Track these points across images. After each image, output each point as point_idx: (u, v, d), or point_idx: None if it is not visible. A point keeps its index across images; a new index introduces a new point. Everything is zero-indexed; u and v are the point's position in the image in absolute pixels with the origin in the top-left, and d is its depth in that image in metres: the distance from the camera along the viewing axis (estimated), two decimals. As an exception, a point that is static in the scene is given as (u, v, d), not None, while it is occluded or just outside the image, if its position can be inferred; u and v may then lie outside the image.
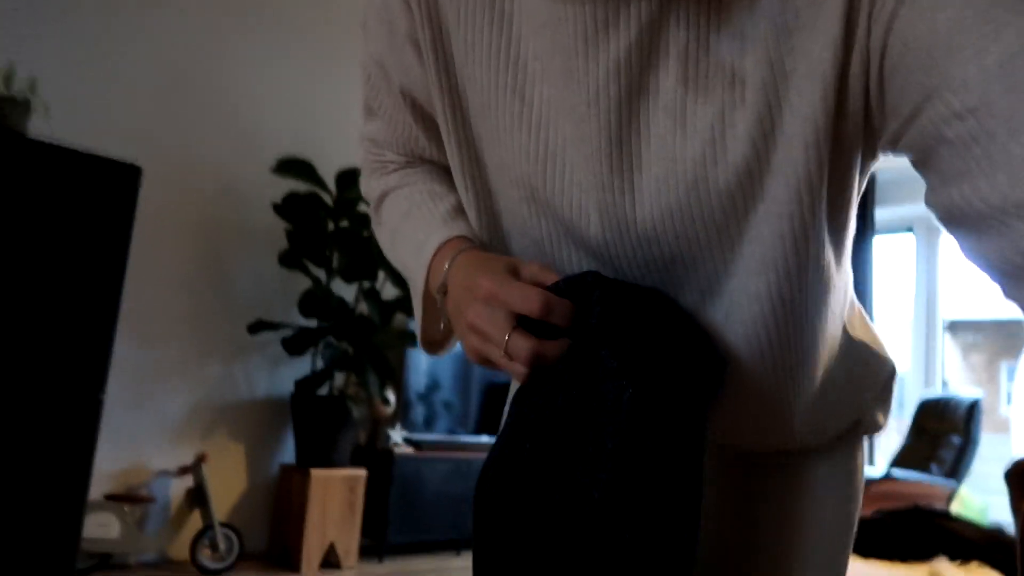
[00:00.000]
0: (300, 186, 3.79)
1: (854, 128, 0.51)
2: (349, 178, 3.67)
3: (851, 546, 0.75)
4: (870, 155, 0.55)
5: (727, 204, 0.54)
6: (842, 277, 0.62)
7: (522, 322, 0.56)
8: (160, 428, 3.43)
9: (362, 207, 3.83)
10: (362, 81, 0.72)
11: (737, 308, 0.58)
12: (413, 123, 0.70)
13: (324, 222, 3.67)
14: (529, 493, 0.54)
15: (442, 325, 0.68)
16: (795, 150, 0.50)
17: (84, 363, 1.95)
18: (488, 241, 0.67)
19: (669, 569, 0.52)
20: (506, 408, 0.80)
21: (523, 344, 0.54)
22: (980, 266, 0.48)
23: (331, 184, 3.74)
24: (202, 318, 3.60)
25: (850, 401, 0.70)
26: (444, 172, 0.75)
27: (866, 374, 0.70)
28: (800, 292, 0.56)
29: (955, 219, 0.47)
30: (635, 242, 0.58)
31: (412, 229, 0.70)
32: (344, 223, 3.75)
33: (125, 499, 3.14)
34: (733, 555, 0.73)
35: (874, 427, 0.75)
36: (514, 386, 0.76)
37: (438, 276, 0.64)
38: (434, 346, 0.73)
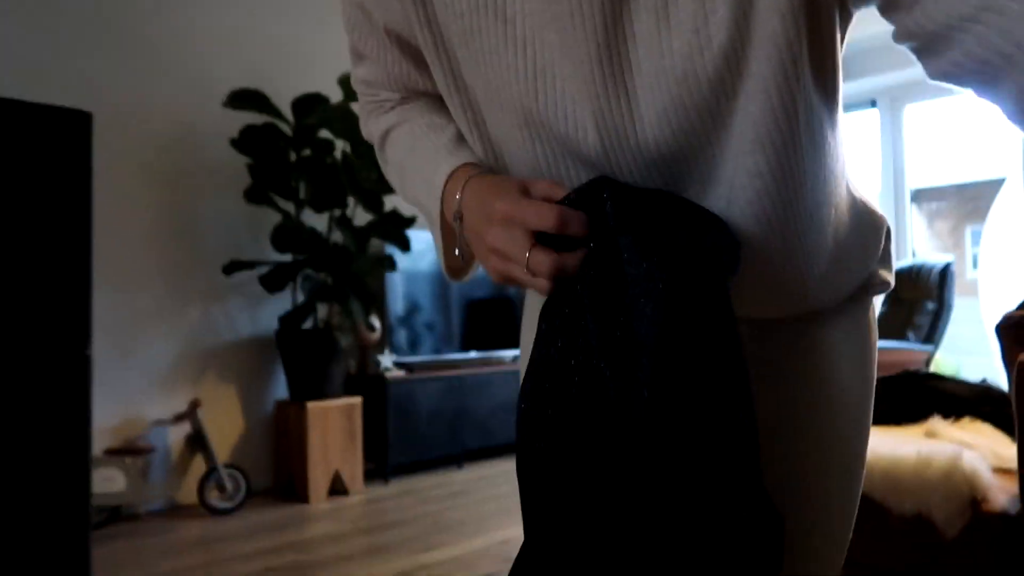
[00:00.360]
0: (256, 118, 3.65)
1: None
2: (306, 105, 3.54)
3: (871, 408, 0.76)
4: (846, 15, 0.56)
5: (718, 90, 0.54)
6: (838, 139, 0.62)
7: (540, 238, 0.56)
8: (149, 379, 3.40)
9: (323, 133, 3.71)
10: (345, 26, 0.72)
11: (740, 190, 0.58)
12: (402, 59, 0.70)
13: (285, 153, 3.56)
14: (571, 400, 0.54)
15: (457, 251, 0.68)
16: (772, 22, 0.51)
17: (66, 321, 1.90)
18: (491, 165, 0.67)
19: (736, 450, 0.52)
20: (523, 328, 0.80)
21: (544, 259, 0.55)
22: (950, 83, 0.51)
23: (288, 113, 3.61)
24: (175, 264, 3.52)
25: (860, 257, 0.71)
26: (440, 103, 0.74)
27: (870, 231, 0.71)
28: (797, 162, 0.57)
29: (916, 40, 0.50)
30: (634, 148, 0.58)
31: (419, 163, 0.70)
32: (306, 152, 3.64)
33: (125, 452, 3.14)
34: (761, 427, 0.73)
35: (883, 285, 0.76)
36: (536, 303, 0.76)
37: (452, 205, 0.65)
38: (457, 272, 0.73)
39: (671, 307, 0.51)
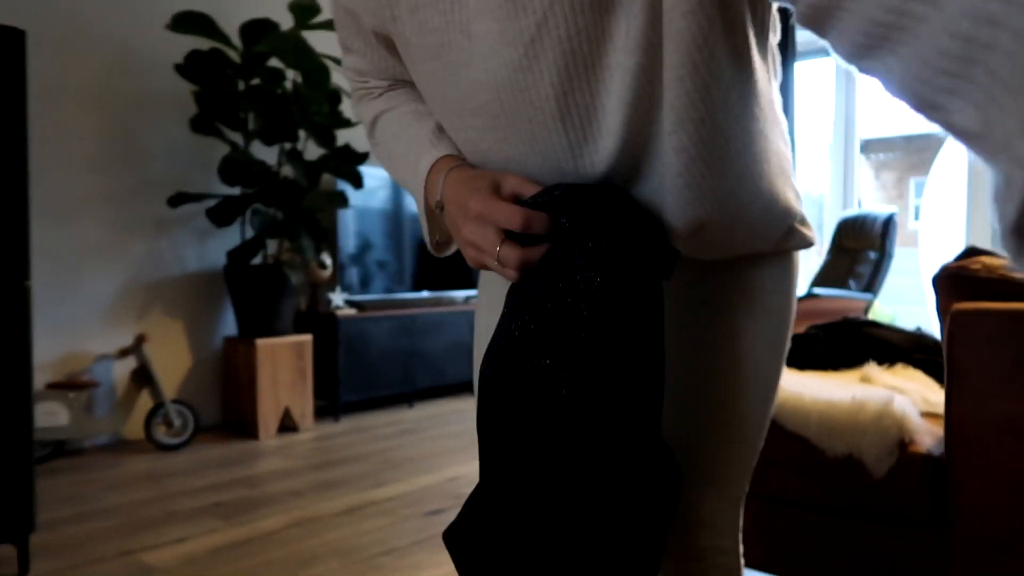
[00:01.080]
0: (202, 43, 3.50)
1: None
2: (254, 31, 3.39)
3: (785, 355, 0.86)
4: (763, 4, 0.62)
5: (644, 81, 0.61)
6: (761, 103, 0.68)
7: (509, 233, 0.66)
8: (92, 312, 3.32)
9: (273, 62, 3.58)
10: (335, 23, 0.79)
11: (670, 165, 0.65)
12: (388, 55, 0.78)
13: (233, 81, 3.43)
14: (518, 372, 0.65)
15: (438, 238, 0.80)
16: (677, 22, 0.58)
17: (2, 251, 1.82)
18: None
19: (640, 415, 0.64)
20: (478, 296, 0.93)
21: (511, 253, 0.65)
22: (840, 58, 0.49)
23: (236, 40, 3.46)
24: (118, 194, 3.40)
25: (780, 212, 0.76)
26: None
27: (788, 186, 0.77)
28: (716, 134, 0.64)
29: (811, 19, 0.48)
30: (592, 140, 0.66)
31: (404, 150, 0.79)
32: (256, 81, 3.51)
33: (68, 386, 3.07)
34: (691, 360, 0.82)
35: (806, 241, 0.83)
36: (488, 279, 0.89)
37: (434, 194, 0.74)
38: (441, 247, 0.83)
39: (603, 305, 0.62)
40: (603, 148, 0.66)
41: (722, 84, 0.63)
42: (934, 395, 1.74)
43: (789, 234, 0.80)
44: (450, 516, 2.42)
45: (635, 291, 0.64)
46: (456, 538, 0.70)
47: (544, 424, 0.64)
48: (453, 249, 0.85)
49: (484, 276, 0.91)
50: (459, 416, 4.00)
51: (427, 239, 0.82)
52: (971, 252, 1.52)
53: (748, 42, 0.64)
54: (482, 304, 0.90)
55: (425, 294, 4.37)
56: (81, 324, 3.28)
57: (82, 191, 3.28)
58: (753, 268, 0.81)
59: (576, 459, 0.63)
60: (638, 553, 0.65)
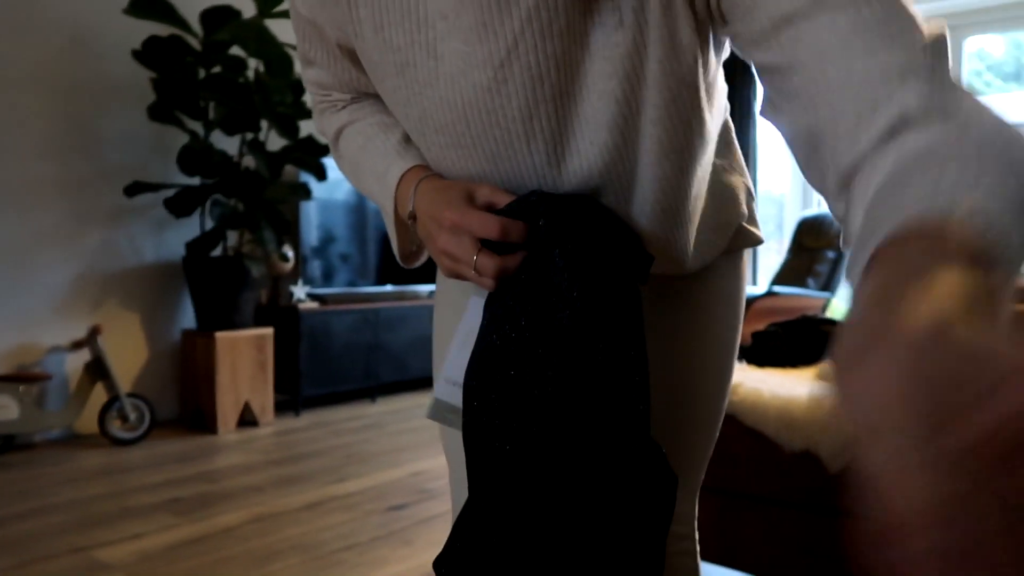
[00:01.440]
0: (161, 29, 3.42)
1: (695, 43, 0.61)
2: (215, 18, 3.33)
3: (736, 348, 0.90)
4: (718, 48, 0.66)
5: (628, 127, 0.64)
6: (714, 133, 0.73)
7: (484, 242, 0.65)
8: (44, 303, 3.23)
9: (235, 50, 3.52)
10: (295, 34, 0.77)
11: (649, 192, 0.69)
12: (352, 67, 0.76)
13: (193, 69, 3.36)
14: (501, 382, 0.65)
15: (415, 246, 0.81)
16: (666, 77, 0.61)
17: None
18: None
19: (633, 444, 0.64)
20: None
21: (488, 262, 0.65)
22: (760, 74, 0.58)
23: (196, 26, 3.39)
24: (72, 182, 3.31)
25: (724, 225, 0.82)
26: None
27: (730, 201, 0.82)
28: (688, 170, 0.69)
29: (749, 45, 0.57)
30: (564, 180, 0.68)
31: (371, 162, 0.78)
32: (216, 69, 3.44)
33: (18, 379, 2.99)
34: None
35: (754, 240, 0.86)
36: (447, 284, 0.88)
37: (405, 205, 0.73)
38: (410, 259, 0.84)
39: (584, 314, 0.62)
40: (570, 169, 0.67)
41: (701, 114, 0.66)
42: (888, 392, 1.78)
43: (738, 234, 0.84)
44: (413, 511, 2.41)
45: (615, 294, 0.64)
46: (448, 565, 0.68)
47: (533, 434, 0.63)
48: (424, 259, 0.85)
49: (440, 278, 0.90)
50: (422, 411, 3.98)
51: (396, 250, 0.82)
52: (925, 253, 1.55)
53: (713, 91, 0.68)
54: (441, 303, 0.90)
55: (389, 288, 4.34)
56: (33, 315, 3.20)
57: (35, 179, 3.19)
58: (703, 283, 0.85)
59: (569, 469, 0.62)
60: (639, 561, 0.65)
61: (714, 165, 0.78)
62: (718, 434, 0.91)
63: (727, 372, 0.88)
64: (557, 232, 0.64)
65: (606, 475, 0.63)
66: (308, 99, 3.89)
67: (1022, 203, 0.41)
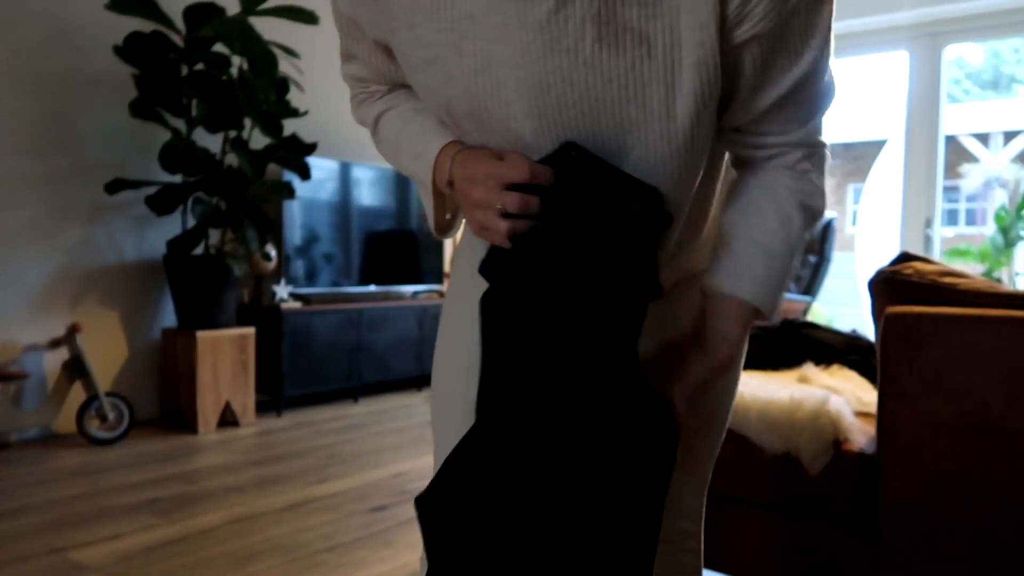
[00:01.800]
0: (143, 25, 3.39)
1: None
2: (198, 15, 3.30)
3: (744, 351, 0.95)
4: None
5: (645, 126, 0.71)
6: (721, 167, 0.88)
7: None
8: (21, 300, 3.19)
9: (218, 47, 3.49)
10: (338, 31, 0.85)
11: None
12: (388, 61, 0.83)
13: (176, 65, 3.33)
14: (516, 320, 0.70)
15: (448, 215, 0.87)
16: (687, 96, 0.68)
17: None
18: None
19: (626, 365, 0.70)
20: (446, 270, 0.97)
21: (514, 198, 0.69)
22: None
23: (179, 22, 3.36)
24: (52, 179, 3.27)
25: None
26: None
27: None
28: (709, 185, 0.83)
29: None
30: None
31: (410, 142, 0.84)
32: (199, 66, 3.42)
33: (-6, 378, 2.95)
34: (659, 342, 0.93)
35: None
36: (457, 299, 0.94)
37: (443, 175, 0.79)
38: (444, 230, 0.89)
39: (596, 264, 0.69)
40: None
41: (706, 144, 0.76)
42: (867, 395, 1.80)
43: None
44: (395, 512, 2.40)
45: (630, 249, 0.70)
46: (429, 504, 0.70)
47: (541, 372, 0.68)
48: (458, 227, 0.91)
49: (458, 264, 0.96)
50: (405, 412, 3.97)
51: (432, 222, 0.87)
52: (905, 257, 1.57)
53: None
54: (453, 301, 0.95)
55: (372, 288, 4.33)
56: (10, 312, 3.15)
57: (13, 174, 3.15)
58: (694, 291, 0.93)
59: (572, 410, 0.67)
60: (638, 515, 0.68)
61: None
62: (725, 433, 0.97)
63: (736, 369, 0.93)
64: (592, 170, 0.69)
65: (608, 416, 0.67)
66: (292, 97, 3.86)
67: (782, 280, 0.79)
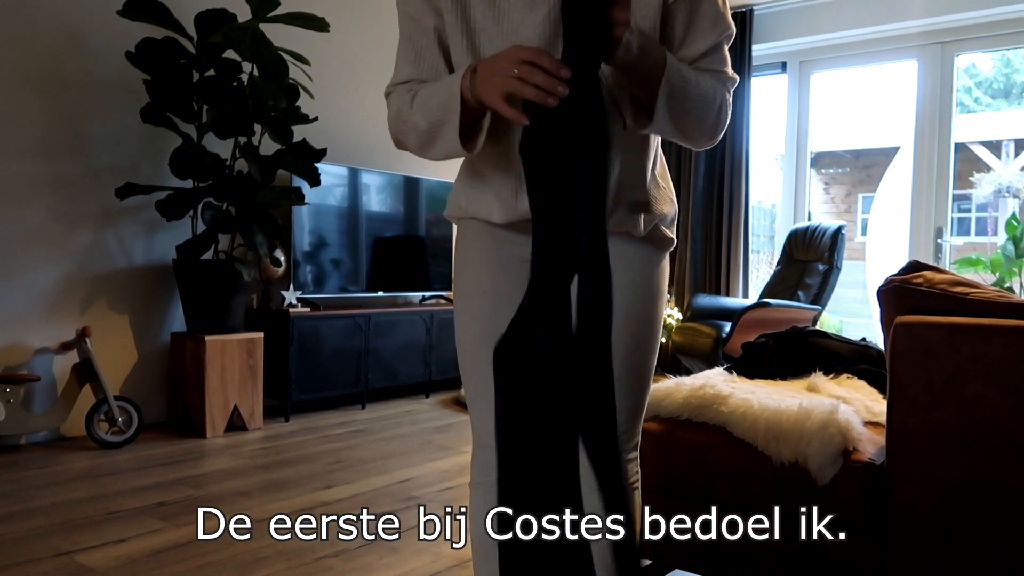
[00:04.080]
0: (155, 31, 3.42)
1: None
2: (210, 21, 3.33)
3: (660, 315, 1.20)
4: None
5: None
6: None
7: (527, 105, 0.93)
8: (32, 304, 3.21)
9: (229, 54, 3.51)
10: (405, 37, 1.15)
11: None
12: (440, 58, 1.13)
13: (187, 71, 3.35)
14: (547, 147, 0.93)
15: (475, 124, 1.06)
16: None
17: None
18: None
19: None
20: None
21: (527, 65, 0.90)
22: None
23: (190, 29, 3.39)
24: (63, 183, 3.29)
25: (670, 199, 1.22)
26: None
27: (669, 197, 1.22)
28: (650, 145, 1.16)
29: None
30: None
31: (436, 89, 1.05)
32: (210, 72, 3.44)
33: (5, 380, 2.97)
34: None
35: (666, 238, 1.20)
36: (466, 248, 1.24)
37: (467, 82, 0.99)
38: (471, 143, 1.05)
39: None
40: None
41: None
42: (877, 404, 1.79)
43: (655, 230, 1.18)
44: (401, 518, 2.40)
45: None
46: (507, 351, 0.88)
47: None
48: (481, 142, 1.06)
49: (461, 242, 1.22)
50: (412, 417, 3.97)
51: (454, 135, 1.02)
52: (914, 267, 1.56)
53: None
54: (465, 262, 1.21)
55: (380, 294, 4.34)
56: (20, 316, 3.17)
57: (24, 177, 3.17)
58: (629, 244, 1.16)
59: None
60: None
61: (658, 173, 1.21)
62: (651, 382, 1.21)
63: (647, 326, 1.17)
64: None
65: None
66: (303, 104, 3.86)
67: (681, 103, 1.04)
